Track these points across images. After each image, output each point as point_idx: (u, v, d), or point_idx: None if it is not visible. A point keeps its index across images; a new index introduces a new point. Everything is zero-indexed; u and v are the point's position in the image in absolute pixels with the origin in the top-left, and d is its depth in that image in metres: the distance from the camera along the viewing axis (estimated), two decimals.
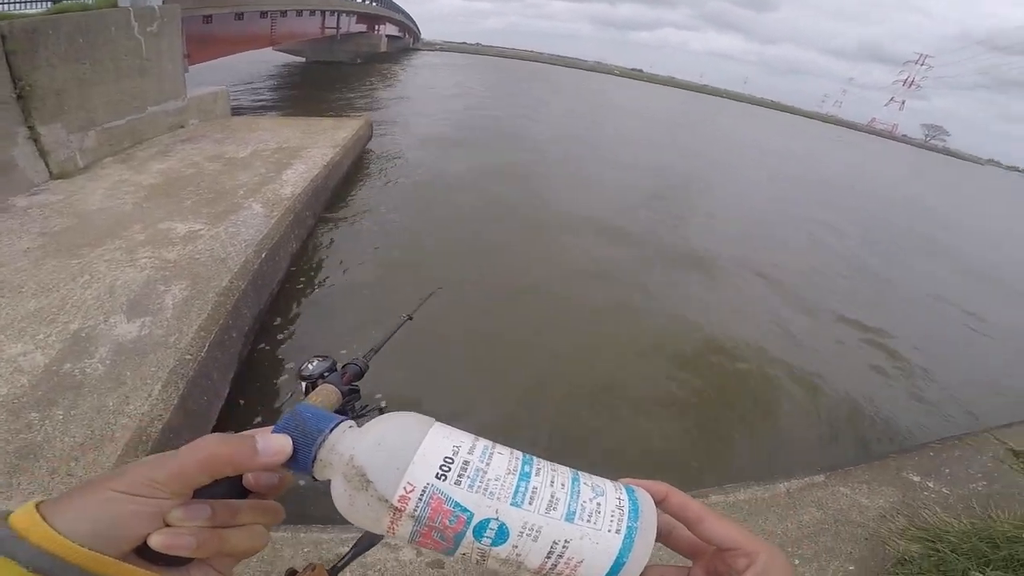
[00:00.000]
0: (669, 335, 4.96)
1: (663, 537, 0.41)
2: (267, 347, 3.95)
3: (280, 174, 5.72)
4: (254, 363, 3.76)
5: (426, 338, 3.88)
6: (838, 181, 18.90)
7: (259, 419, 3.29)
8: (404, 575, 1.92)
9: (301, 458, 0.37)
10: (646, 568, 0.37)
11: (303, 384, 0.80)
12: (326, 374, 0.81)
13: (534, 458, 0.39)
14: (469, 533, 0.35)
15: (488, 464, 0.37)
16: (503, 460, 0.37)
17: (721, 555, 0.39)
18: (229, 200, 4.88)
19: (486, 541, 0.35)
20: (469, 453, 0.37)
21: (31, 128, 4.74)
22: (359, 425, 0.40)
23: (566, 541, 0.35)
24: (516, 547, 0.35)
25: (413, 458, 0.35)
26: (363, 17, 28.51)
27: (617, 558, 0.35)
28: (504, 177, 9.18)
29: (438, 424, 0.39)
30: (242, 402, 3.39)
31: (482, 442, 0.39)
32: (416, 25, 54.71)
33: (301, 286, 4.77)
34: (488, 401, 3.79)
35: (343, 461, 0.36)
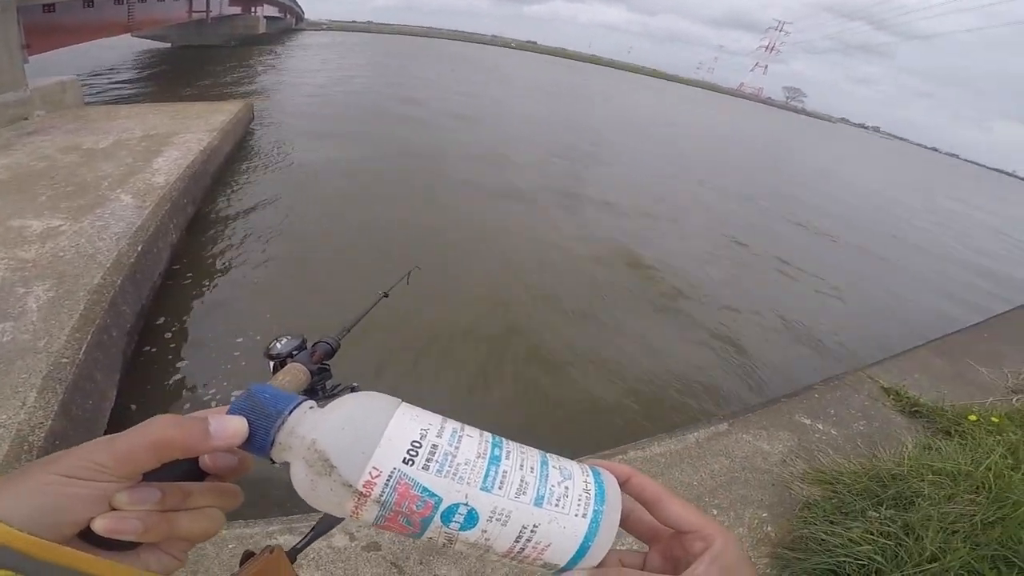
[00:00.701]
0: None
1: (621, 521, 0.40)
2: (153, 349, 3.73)
3: (150, 162, 5.31)
4: (141, 364, 3.56)
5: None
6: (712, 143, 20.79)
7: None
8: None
9: (258, 441, 0.35)
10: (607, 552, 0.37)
11: (271, 364, 0.77)
12: (295, 353, 0.78)
13: (503, 440, 0.39)
14: (437, 518, 0.34)
15: (457, 448, 0.36)
16: (472, 443, 0.37)
17: (678, 538, 0.39)
18: (92, 193, 4.47)
19: (454, 526, 0.34)
20: (438, 436, 0.36)
21: None
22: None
23: (535, 526, 0.35)
24: (485, 531, 0.35)
25: (379, 442, 0.34)
26: None
27: (583, 542, 0.36)
28: (393, 155, 9.21)
29: (405, 405, 0.38)
30: (134, 407, 3.22)
31: (451, 424, 0.38)
32: (299, 5, 51.43)
33: (188, 281, 4.52)
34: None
35: (304, 445, 0.35)
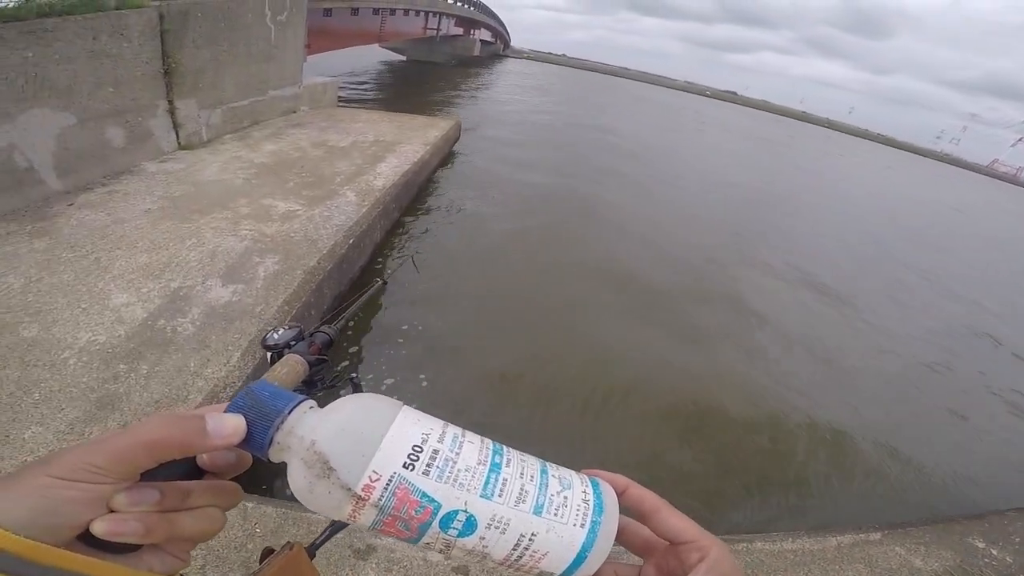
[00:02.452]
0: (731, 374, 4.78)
1: (616, 534, 0.41)
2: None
3: (374, 166, 6.02)
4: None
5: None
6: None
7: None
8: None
9: (256, 440, 0.35)
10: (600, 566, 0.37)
11: (268, 355, 0.76)
12: (292, 343, 0.77)
13: (504, 447, 0.39)
14: (435, 524, 0.34)
15: (458, 454, 0.36)
16: (473, 450, 0.37)
17: (674, 550, 0.39)
18: (327, 186, 5.19)
19: (452, 532, 0.35)
20: (439, 441, 0.36)
21: (170, 102, 5.28)
22: (325, 400, 0.40)
23: (533, 534, 0.35)
24: (483, 539, 0.35)
25: (380, 445, 0.34)
26: (461, 21, 29.47)
27: (580, 552, 0.36)
28: (578, 185, 9.23)
29: (406, 408, 0.38)
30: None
31: (452, 429, 0.38)
32: (507, 32, 55.76)
33: (378, 279, 4.98)
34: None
35: (303, 446, 0.35)
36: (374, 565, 1.92)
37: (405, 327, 4.39)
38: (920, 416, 4.89)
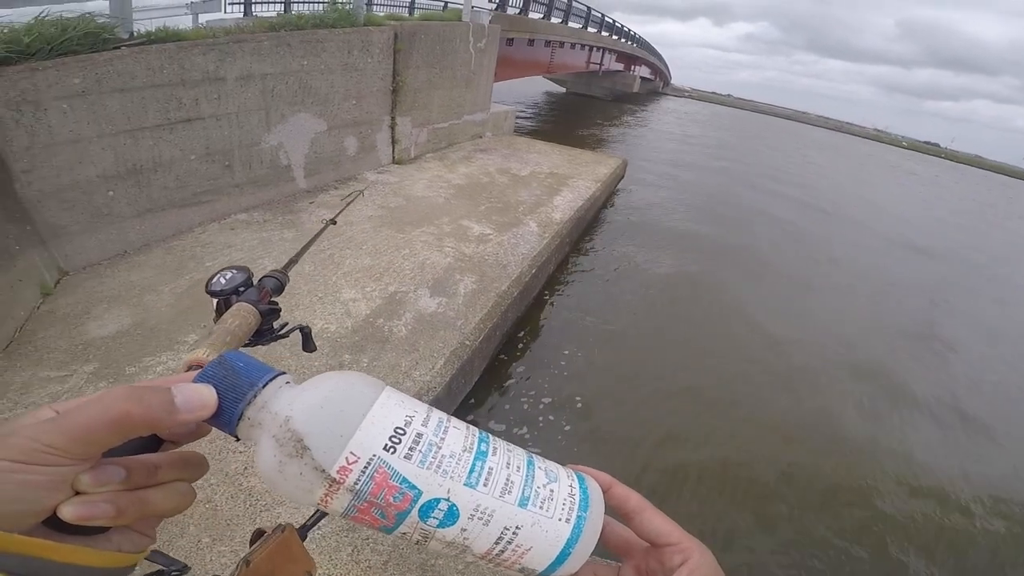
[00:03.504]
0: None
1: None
2: (505, 357, 4.30)
3: (552, 198, 6.24)
4: (492, 367, 4.08)
5: None
6: None
7: (471, 417, 3.53)
8: None
9: (225, 415, 0.33)
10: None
11: (214, 301, 0.69)
12: (241, 289, 0.69)
13: (490, 436, 0.37)
14: (415, 512, 0.32)
15: (443, 439, 0.34)
16: (459, 436, 0.35)
17: (654, 552, 0.38)
18: (512, 213, 5.48)
19: (432, 522, 0.32)
20: (423, 425, 0.34)
21: (392, 118, 5.94)
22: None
23: (517, 527, 0.33)
24: (465, 530, 0.33)
25: (360, 425, 0.32)
26: (622, 56, 29.76)
27: (564, 548, 0.34)
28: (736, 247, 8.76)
29: (390, 389, 0.36)
30: (472, 400, 3.68)
31: (437, 414, 0.36)
32: (668, 69, 55.31)
33: (546, 308, 5.15)
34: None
35: (276, 422, 0.32)
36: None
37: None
38: None
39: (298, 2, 7.32)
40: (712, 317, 5.94)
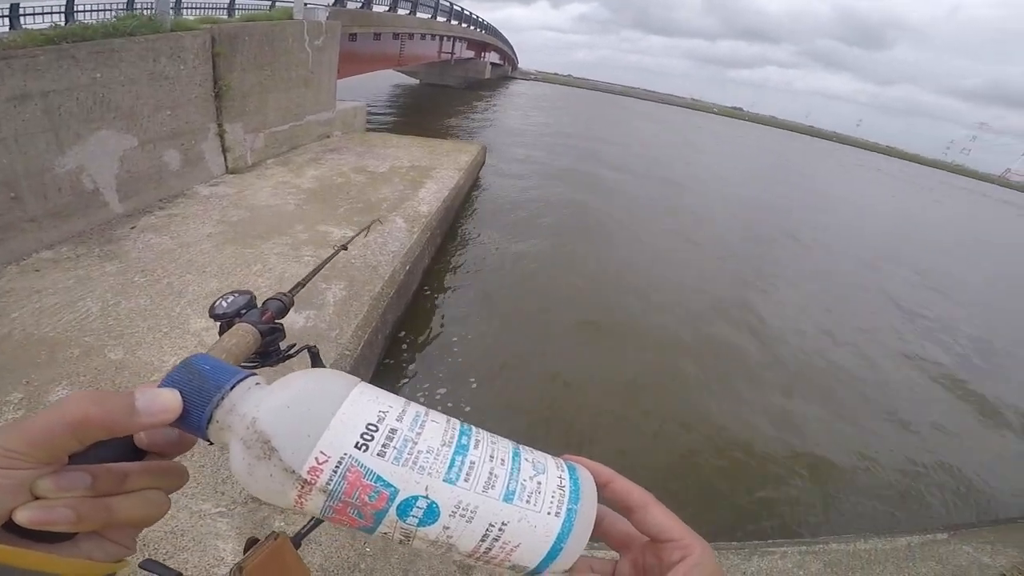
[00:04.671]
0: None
1: (594, 526, 0.39)
2: (391, 360, 4.16)
3: (416, 192, 6.08)
4: (379, 373, 3.95)
5: None
6: None
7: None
8: None
9: (193, 418, 0.32)
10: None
11: (218, 324, 0.70)
12: (243, 312, 0.71)
13: (473, 428, 0.36)
14: (392, 511, 0.31)
15: (419, 434, 0.33)
16: (437, 430, 0.34)
17: (652, 547, 0.37)
18: (375, 212, 5.24)
19: (412, 520, 0.31)
20: (398, 420, 0.33)
21: (220, 125, 5.35)
22: (281, 374, 0.36)
23: (503, 523, 0.32)
24: (447, 528, 0.32)
25: (329, 423, 0.31)
26: (472, 44, 30.00)
27: (555, 543, 0.33)
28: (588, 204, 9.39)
29: (363, 384, 0.35)
30: None
31: (414, 407, 0.35)
32: (515, 53, 56.79)
33: (428, 304, 5.04)
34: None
35: (243, 424, 0.32)
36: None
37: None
38: None
39: (84, 11, 6.31)
40: (586, 276, 6.28)
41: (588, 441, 3.76)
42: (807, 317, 6.74)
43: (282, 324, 0.74)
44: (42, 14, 5.77)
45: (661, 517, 0.37)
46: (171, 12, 4.84)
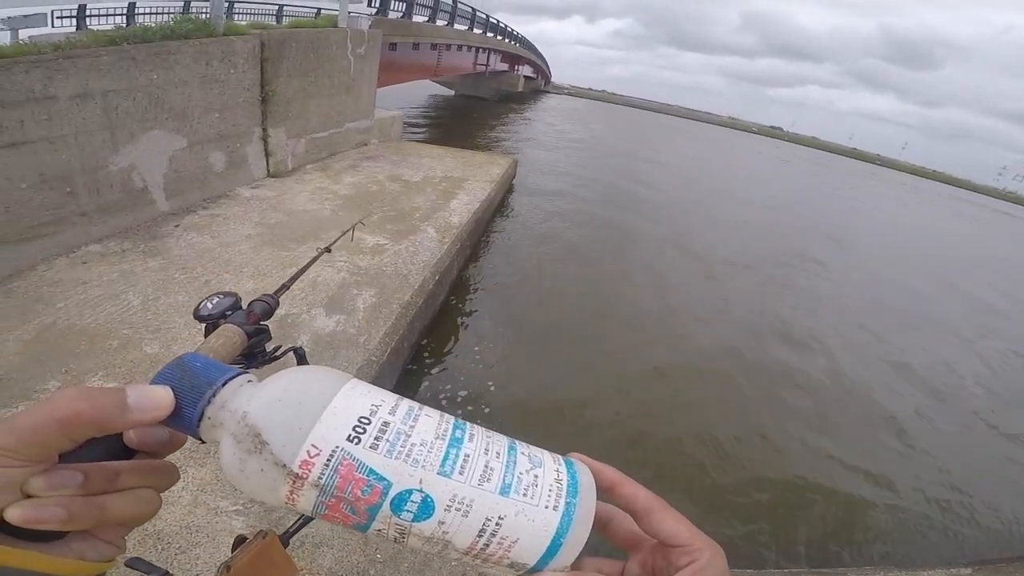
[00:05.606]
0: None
1: (600, 528, 0.38)
2: (414, 367, 4.18)
3: (448, 202, 6.15)
4: (403, 380, 3.97)
5: None
6: None
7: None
8: None
9: (185, 416, 0.32)
10: (582, 559, 0.34)
11: (203, 326, 0.70)
12: (228, 313, 0.70)
13: (467, 423, 0.35)
14: (386, 506, 0.30)
15: (412, 427, 0.32)
16: (431, 423, 0.33)
17: (662, 550, 0.36)
18: (408, 221, 5.32)
19: (406, 515, 0.31)
20: (390, 414, 0.33)
21: (264, 129, 5.51)
22: (267, 375, 0.36)
23: (500, 518, 0.31)
24: (443, 523, 0.31)
25: (321, 416, 0.31)
26: (507, 56, 30.34)
27: (554, 537, 0.32)
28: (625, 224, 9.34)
29: (355, 380, 0.35)
30: None
31: (406, 402, 0.34)
32: (548, 67, 57.17)
33: (453, 316, 5.08)
34: None
35: (235, 419, 0.32)
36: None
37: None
38: None
39: (145, 14, 6.61)
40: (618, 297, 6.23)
41: None
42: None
43: (267, 326, 0.74)
44: (107, 15, 6.09)
45: (669, 522, 0.36)
46: (223, 16, 5.02)
